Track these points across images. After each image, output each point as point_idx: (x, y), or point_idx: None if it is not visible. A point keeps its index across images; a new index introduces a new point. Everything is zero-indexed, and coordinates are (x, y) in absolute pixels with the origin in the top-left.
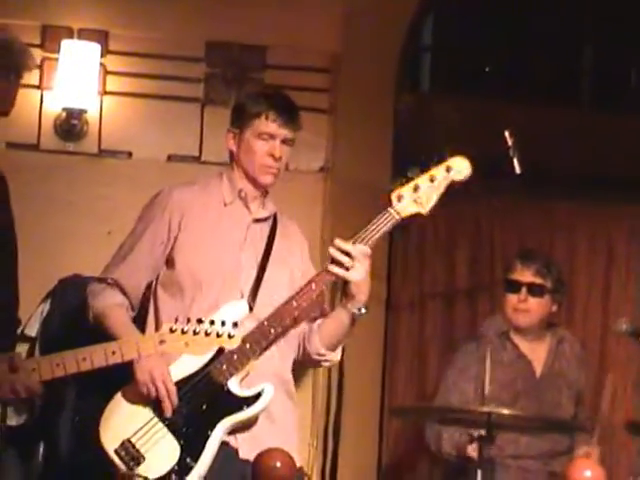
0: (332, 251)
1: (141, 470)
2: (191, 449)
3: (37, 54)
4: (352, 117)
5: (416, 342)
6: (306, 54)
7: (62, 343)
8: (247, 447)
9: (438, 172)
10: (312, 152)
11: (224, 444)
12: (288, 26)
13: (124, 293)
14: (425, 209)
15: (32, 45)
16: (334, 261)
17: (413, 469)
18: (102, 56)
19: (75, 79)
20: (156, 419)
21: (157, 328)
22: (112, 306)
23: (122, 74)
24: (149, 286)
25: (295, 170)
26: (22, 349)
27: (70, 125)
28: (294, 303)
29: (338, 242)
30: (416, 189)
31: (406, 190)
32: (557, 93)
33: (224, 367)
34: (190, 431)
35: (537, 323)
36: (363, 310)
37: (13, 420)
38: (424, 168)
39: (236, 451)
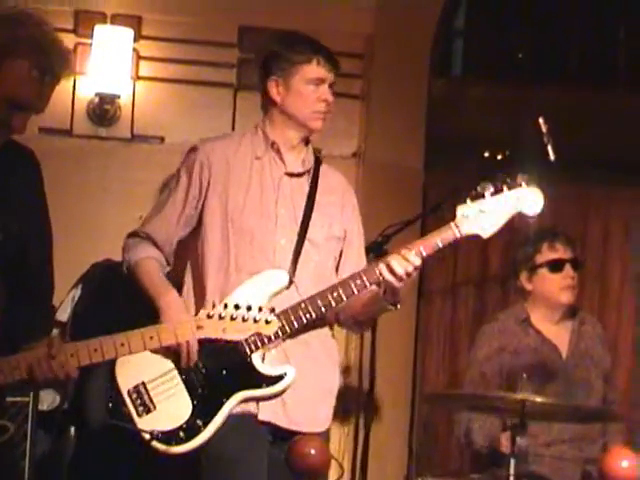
0: (392, 260)
1: (148, 419)
2: (203, 412)
3: (70, 39)
4: (385, 102)
5: (448, 328)
6: (338, 39)
7: (93, 328)
8: (268, 408)
9: (509, 200)
10: (345, 137)
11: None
12: (320, 11)
13: (157, 246)
14: (486, 234)
15: (65, 30)
16: (388, 266)
17: (444, 456)
18: (135, 41)
19: (108, 64)
20: (175, 372)
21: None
22: (145, 258)
23: (155, 59)
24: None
25: (328, 155)
26: (53, 334)
27: (103, 110)
28: (335, 293)
29: (405, 252)
30: (483, 211)
31: (472, 210)
32: (591, 77)
33: (252, 338)
34: (205, 393)
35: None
36: (398, 306)
37: (45, 404)
38: (496, 189)
39: (255, 415)
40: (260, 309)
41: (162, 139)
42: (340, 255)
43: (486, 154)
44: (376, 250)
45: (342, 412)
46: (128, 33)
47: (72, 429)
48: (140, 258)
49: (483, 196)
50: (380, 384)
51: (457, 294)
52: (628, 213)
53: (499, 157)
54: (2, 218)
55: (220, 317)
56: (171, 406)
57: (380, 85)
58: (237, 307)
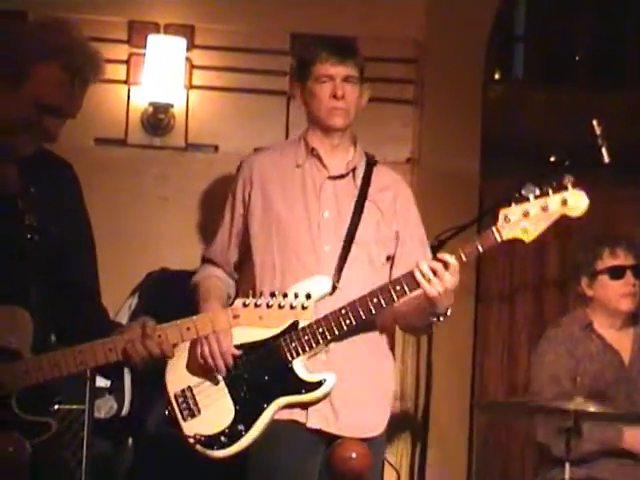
0: (431, 262)
1: (193, 423)
2: (245, 418)
3: (124, 50)
4: (439, 107)
5: (506, 334)
6: (391, 45)
7: None
8: (318, 415)
9: (553, 202)
10: (399, 143)
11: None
12: (373, 16)
13: (218, 267)
14: (529, 238)
15: (119, 41)
16: (421, 271)
17: (504, 465)
18: (188, 50)
19: (161, 74)
20: (219, 377)
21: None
22: (205, 277)
23: (208, 68)
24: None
25: (382, 161)
26: None
27: (157, 120)
28: (375, 300)
29: (441, 255)
30: (526, 214)
31: (515, 213)
32: None
33: (293, 344)
34: (248, 398)
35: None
36: (441, 318)
37: (102, 412)
38: (541, 192)
39: (303, 424)
40: (296, 295)
41: (216, 148)
42: (395, 255)
43: (552, 158)
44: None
45: (399, 420)
46: (181, 42)
47: (130, 439)
48: (201, 278)
49: (527, 199)
50: (437, 391)
51: (515, 299)
52: None
53: (552, 159)
54: (39, 221)
55: (256, 305)
56: (214, 411)
57: (434, 90)
58: (273, 295)
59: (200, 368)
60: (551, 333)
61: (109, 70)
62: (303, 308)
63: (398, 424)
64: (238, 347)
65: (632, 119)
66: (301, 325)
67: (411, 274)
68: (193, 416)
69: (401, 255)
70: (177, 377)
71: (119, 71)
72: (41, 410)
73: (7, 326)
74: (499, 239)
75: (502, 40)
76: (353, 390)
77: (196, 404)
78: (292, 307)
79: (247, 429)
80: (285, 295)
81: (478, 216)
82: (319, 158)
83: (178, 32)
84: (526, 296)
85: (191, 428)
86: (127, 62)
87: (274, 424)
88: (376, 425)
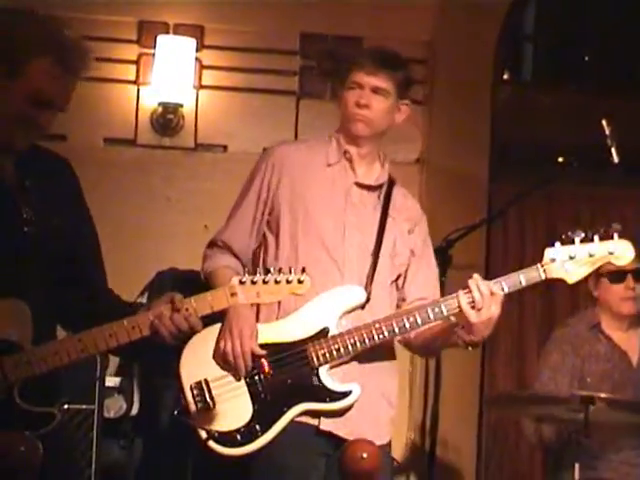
0: (470, 282)
1: (206, 417)
2: (263, 418)
3: (133, 50)
4: (448, 108)
5: (515, 331)
6: (401, 44)
7: None
8: (331, 419)
9: (599, 250)
10: (408, 143)
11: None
12: (383, 17)
13: (234, 254)
14: (571, 280)
15: (128, 41)
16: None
17: (513, 461)
18: (197, 51)
19: (171, 74)
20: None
21: None
22: (220, 267)
23: (217, 68)
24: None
25: (391, 161)
26: None
27: (166, 120)
28: (412, 319)
29: (477, 277)
30: (572, 257)
31: (562, 253)
32: None
33: (322, 351)
34: (268, 400)
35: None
36: (469, 348)
37: (111, 412)
38: (587, 236)
39: (316, 426)
40: (290, 270)
41: (225, 147)
42: (406, 274)
43: (560, 159)
44: (440, 255)
45: (408, 418)
46: (191, 43)
47: (140, 439)
48: (217, 267)
49: (573, 242)
50: (446, 388)
51: (524, 296)
52: None
53: (560, 160)
54: (36, 215)
55: (252, 282)
56: (231, 407)
57: (443, 91)
58: (267, 271)
59: (219, 362)
60: (558, 333)
61: (119, 70)
62: (299, 282)
63: (408, 422)
64: (263, 346)
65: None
66: (331, 333)
67: (451, 297)
68: (207, 409)
69: (412, 278)
70: (194, 368)
71: (129, 71)
72: (44, 401)
73: (7, 319)
74: (543, 277)
75: (511, 41)
76: (364, 394)
77: (212, 398)
78: (288, 282)
79: (264, 430)
80: (280, 270)
81: (487, 217)
82: (351, 162)
83: (188, 32)
84: (534, 293)
85: (204, 422)
86: (137, 62)
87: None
88: (385, 432)
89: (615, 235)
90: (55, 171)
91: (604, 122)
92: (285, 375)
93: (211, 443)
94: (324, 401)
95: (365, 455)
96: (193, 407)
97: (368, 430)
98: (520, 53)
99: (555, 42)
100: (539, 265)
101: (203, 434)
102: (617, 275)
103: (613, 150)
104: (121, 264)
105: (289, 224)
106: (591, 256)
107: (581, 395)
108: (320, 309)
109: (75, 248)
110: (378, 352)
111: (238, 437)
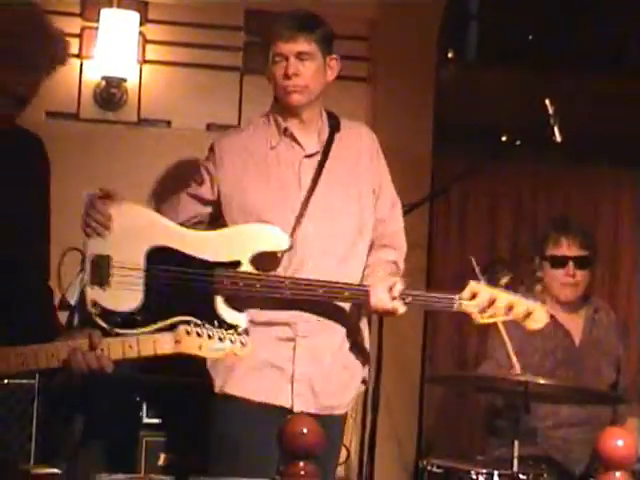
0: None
1: (98, 292)
2: (148, 312)
3: (77, 23)
4: (392, 86)
5: (456, 312)
6: (344, 22)
7: None
8: (303, 400)
9: (518, 308)
10: (352, 120)
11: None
12: None
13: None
14: (480, 321)
15: (71, 14)
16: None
17: (453, 440)
18: (141, 25)
19: (114, 48)
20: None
21: None
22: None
23: (161, 43)
24: None
25: None
26: (62, 316)
27: (110, 94)
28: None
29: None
30: (491, 303)
31: (484, 294)
32: (602, 61)
33: (226, 281)
34: (159, 301)
35: (582, 295)
36: None
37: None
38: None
39: (289, 409)
40: (237, 330)
41: (169, 123)
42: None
43: (503, 138)
44: None
45: None
46: (134, 16)
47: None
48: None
49: (497, 282)
50: (388, 368)
51: (466, 278)
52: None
53: (504, 139)
54: None
55: (198, 335)
56: (123, 292)
57: (386, 69)
58: (219, 325)
59: (126, 245)
60: None
61: None
62: (242, 344)
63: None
64: (174, 252)
65: (585, 98)
66: (244, 268)
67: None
68: (101, 285)
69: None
70: (103, 243)
71: (71, 45)
72: None
73: None
74: (455, 308)
75: (456, 19)
76: (331, 370)
77: (109, 275)
78: (232, 342)
79: (144, 323)
80: (229, 327)
81: (429, 195)
82: (293, 137)
83: (131, 6)
84: (477, 275)
85: (95, 295)
86: (80, 36)
87: (255, 406)
88: (347, 403)
89: (538, 303)
90: (25, 153)
91: (547, 101)
92: (184, 288)
93: (95, 318)
94: (212, 324)
95: (305, 430)
96: (88, 278)
97: (334, 404)
98: (464, 32)
99: (499, 21)
100: (456, 296)
101: (90, 307)
102: (559, 260)
103: (556, 129)
104: (63, 239)
105: (241, 219)
106: (510, 309)
107: (518, 380)
108: (240, 241)
109: (23, 243)
110: (341, 326)
111: (118, 319)
